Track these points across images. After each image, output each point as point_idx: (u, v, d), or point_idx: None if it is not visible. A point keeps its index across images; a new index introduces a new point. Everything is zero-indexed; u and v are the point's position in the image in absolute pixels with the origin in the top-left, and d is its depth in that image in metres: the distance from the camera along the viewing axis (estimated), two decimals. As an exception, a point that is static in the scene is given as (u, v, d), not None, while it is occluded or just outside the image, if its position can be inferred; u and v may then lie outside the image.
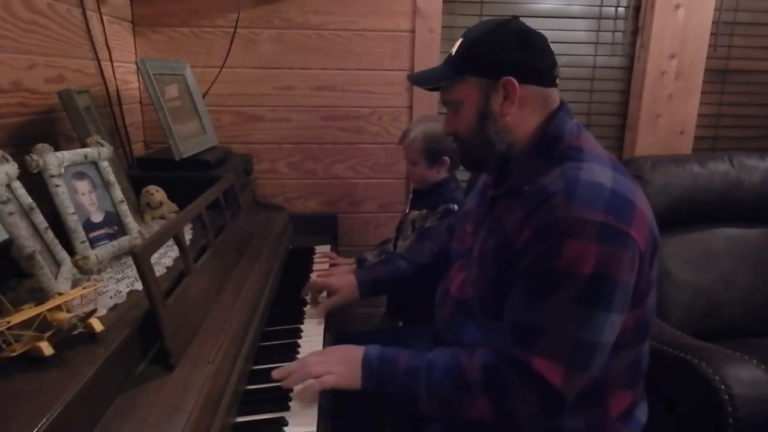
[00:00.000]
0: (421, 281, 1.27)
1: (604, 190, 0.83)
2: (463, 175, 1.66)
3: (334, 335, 1.19)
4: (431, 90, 1.05)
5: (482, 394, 0.86)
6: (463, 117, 0.97)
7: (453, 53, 0.96)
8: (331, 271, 1.54)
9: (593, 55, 2.01)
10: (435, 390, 0.89)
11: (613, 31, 2.00)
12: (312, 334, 1.16)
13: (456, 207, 1.48)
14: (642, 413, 0.99)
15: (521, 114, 0.93)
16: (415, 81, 1.03)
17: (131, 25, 1.76)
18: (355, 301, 1.26)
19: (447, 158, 1.52)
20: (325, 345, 1.13)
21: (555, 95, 0.96)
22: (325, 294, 1.28)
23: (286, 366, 0.95)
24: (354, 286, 1.25)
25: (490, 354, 0.88)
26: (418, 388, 0.90)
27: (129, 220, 1.10)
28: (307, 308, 1.27)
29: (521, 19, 0.96)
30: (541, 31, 0.96)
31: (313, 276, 1.51)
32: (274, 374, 0.94)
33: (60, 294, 0.80)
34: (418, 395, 0.90)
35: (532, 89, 0.93)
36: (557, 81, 0.97)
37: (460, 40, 0.96)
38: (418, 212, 1.58)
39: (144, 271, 0.79)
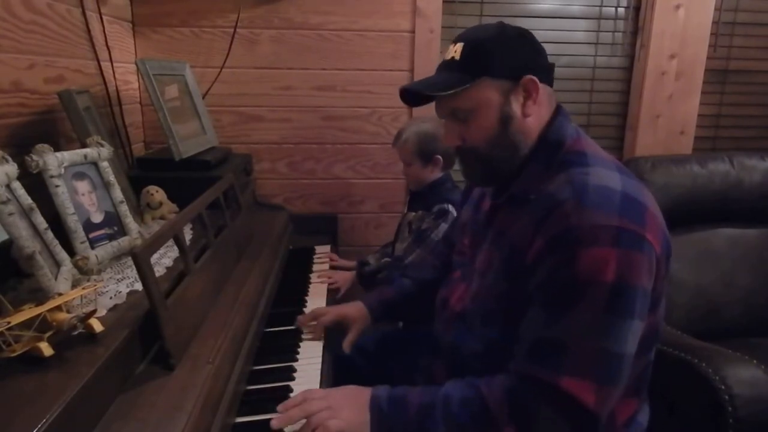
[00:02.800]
0: (428, 297, 1.21)
1: (614, 194, 0.80)
2: (458, 175, 1.66)
3: (334, 336, 1.19)
4: (422, 102, 0.96)
5: (508, 425, 0.81)
6: (480, 124, 0.90)
7: (457, 58, 0.90)
8: (331, 274, 1.54)
9: (593, 56, 2.01)
10: (455, 426, 0.83)
11: (613, 31, 2.00)
12: (312, 334, 1.16)
13: (451, 207, 1.48)
14: (644, 417, 0.98)
15: (538, 114, 0.91)
16: (416, 91, 0.92)
17: (131, 25, 1.76)
18: (369, 327, 1.23)
19: (440, 157, 1.54)
20: (325, 345, 1.14)
21: (554, 95, 0.96)
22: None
23: (286, 402, 0.86)
24: (365, 313, 1.22)
25: (511, 380, 0.83)
26: (436, 426, 0.83)
27: (129, 220, 1.10)
28: (308, 308, 1.27)
29: (522, 19, 0.95)
30: (541, 31, 0.95)
31: (314, 277, 1.51)
32: (273, 423, 0.83)
33: (60, 294, 0.80)
34: None
35: (546, 88, 0.92)
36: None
37: (461, 44, 0.91)
38: (414, 213, 1.58)
39: (144, 271, 0.79)
